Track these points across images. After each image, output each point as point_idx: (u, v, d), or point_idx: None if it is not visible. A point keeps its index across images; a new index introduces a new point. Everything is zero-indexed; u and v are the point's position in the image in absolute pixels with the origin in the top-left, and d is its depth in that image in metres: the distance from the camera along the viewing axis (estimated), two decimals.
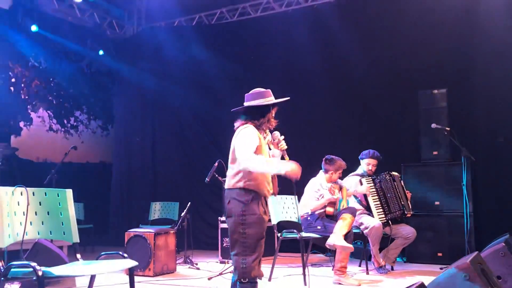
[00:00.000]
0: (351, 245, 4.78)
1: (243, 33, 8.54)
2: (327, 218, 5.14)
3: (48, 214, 3.12)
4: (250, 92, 3.48)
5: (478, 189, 6.31)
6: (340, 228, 4.81)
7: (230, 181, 3.35)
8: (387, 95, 7.11)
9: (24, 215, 2.96)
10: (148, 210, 7.88)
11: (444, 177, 6.24)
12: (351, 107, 7.46)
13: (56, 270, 2.59)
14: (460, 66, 6.70)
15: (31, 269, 2.49)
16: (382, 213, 5.57)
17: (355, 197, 5.76)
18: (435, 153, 6.34)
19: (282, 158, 3.48)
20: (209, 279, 5.23)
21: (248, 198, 3.25)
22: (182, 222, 6.14)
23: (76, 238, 3.18)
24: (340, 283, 4.86)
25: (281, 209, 5.48)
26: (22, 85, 9.14)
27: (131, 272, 3.02)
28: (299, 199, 5.51)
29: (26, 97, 9.26)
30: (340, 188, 5.42)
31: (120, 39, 9.59)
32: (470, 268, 2.76)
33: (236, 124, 3.46)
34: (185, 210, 6.14)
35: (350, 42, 7.32)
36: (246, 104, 3.43)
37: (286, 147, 3.45)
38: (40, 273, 2.46)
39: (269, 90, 3.46)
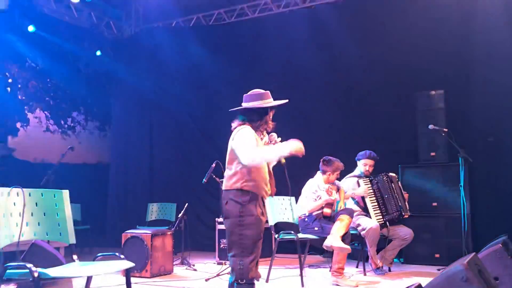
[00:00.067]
0: (348, 246, 4.78)
1: (241, 34, 8.53)
2: (324, 219, 5.14)
3: (44, 215, 3.12)
4: (249, 92, 3.47)
5: (476, 190, 6.31)
6: (338, 229, 4.81)
7: (227, 182, 3.35)
8: (384, 96, 7.11)
9: (20, 216, 2.95)
10: (145, 211, 7.86)
11: (442, 178, 6.24)
12: (349, 108, 7.46)
13: (52, 271, 2.58)
14: (458, 68, 6.71)
15: (27, 270, 2.48)
16: (380, 214, 5.57)
17: (353, 198, 5.75)
18: (432, 154, 6.35)
19: (279, 160, 3.47)
20: (206, 280, 5.22)
21: (246, 199, 3.24)
22: (179, 223, 6.13)
23: (72, 239, 3.17)
24: (337, 284, 4.86)
25: (279, 210, 5.47)
26: (19, 85, 9.10)
27: (127, 273, 3.02)
28: (296, 200, 5.51)
29: (23, 97, 9.23)
30: (338, 189, 5.41)
31: (118, 40, 9.57)
32: (467, 269, 2.76)
33: (233, 125, 3.45)
34: (182, 211, 6.13)
35: (348, 43, 7.32)
36: (244, 105, 3.43)
37: None
38: (36, 274, 2.45)
39: (268, 91, 3.45)
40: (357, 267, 6.04)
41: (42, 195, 3.14)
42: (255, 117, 3.38)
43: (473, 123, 6.58)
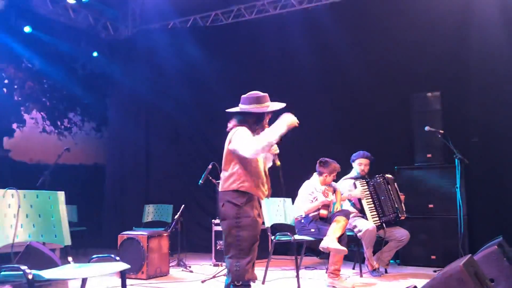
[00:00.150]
0: (344, 248, 4.77)
1: (238, 35, 8.53)
2: (321, 220, 5.13)
3: (39, 216, 3.10)
4: (247, 94, 3.46)
5: (472, 192, 6.32)
6: (334, 230, 4.81)
7: (224, 183, 3.34)
8: (381, 98, 7.12)
9: (15, 217, 2.93)
10: (141, 213, 7.84)
11: (438, 180, 6.25)
12: (345, 110, 7.46)
13: (47, 273, 2.57)
14: (454, 69, 6.72)
15: (21, 272, 2.47)
16: (376, 216, 5.57)
17: (349, 200, 5.76)
18: (429, 156, 6.36)
19: (274, 162, 3.47)
20: (202, 282, 5.21)
21: (243, 201, 3.24)
22: (176, 225, 6.12)
23: (67, 241, 3.16)
24: (333, 286, 4.86)
25: (275, 211, 5.47)
26: (15, 86, 9.08)
27: (123, 275, 3.00)
28: (293, 202, 5.51)
29: (19, 98, 9.21)
30: (334, 191, 5.42)
31: (114, 41, 9.55)
32: (463, 271, 2.76)
33: (229, 125, 3.45)
34: (178, 213, 6.12)
35: (344, 45, 7.32)
36: (241, 106, 3.43)
37: (278, 151, 3.44)
38: (30, 277, 2.43)
39: (266, 94, 3.44)
40: (353, 268, 6.04)
41: (37, 197, 3.12)
42: (251, 120, 3.38)
43: (469, 125, 6.60)
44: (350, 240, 5.36)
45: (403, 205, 5.77)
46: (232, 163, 3.32)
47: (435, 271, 5.47)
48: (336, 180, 5.57)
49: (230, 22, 8.76)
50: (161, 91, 9.00)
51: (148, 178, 9.16)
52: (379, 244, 5.64)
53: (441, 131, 5.84)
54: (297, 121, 3.24)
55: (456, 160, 5.57)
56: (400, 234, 5.57)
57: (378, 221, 5.54)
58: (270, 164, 3.52)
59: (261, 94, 3.43)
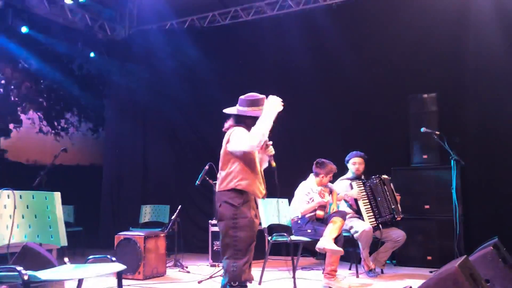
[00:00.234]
0: (341, 249, 4.78)
1: (235, 36, 8.53)
2: (317, 221, 5.14)
3: (35, 217, 3.09)
4: (245, 96, 3.47)
5: (468, 193, 6.34)
6: (330, 231, 4.81)
7: (221, 183, 3.36)
8: (377, 99, 7.13)
9: (11, 218, 2.93)
10: (138, 213, 7.83)
11: (434, 181, 6.26)
12: (342, 111, 7.47)
13: (43, 274, 2.57)
14: (450, 71, 6.74)
15: (17, 273, 2.46)
16: (373, 217, 5.58)
17: (345, 201, 5.77)
18: (425, 157, 6.38)
19: (269, 163, 3.49)
20: (199, 282, 5.21)
21: (240, 202, 3.25)
22: (173, 225, 6.12)
23: (64, 242, 3.16)
24: (330, 287, 4.86)
25: (272, 212, 5.47)
26: (12, 86, 9.07)
27: (119, 276, 3.01)
28: (289, 203, 5.52)
29: (16, 99, 9.19)
30: (331, 192, 5.42)
31: (112, 41, 9.54)
32: (458, 272, 2.77)
33: (225, 125, 3.48)
34: (175, 213, 6.12)
35: (341, 46, 7.34)
36: (239, 108, 3.45)
37: (273, 152, 3.46)
38: (26, 278, 2.43)
39: (264, 97, 3.45)
40: (349, 269, 6.05)
41: (33, 197, 3.12)
42: (248, 122, 3.40)
43: (465, 126, 6.62)
44: (347, 241, 5.37)
45: (399, 206, 5.79)
46: (229, 163, 3.34)
47: (431, 272, 5.48)
48: (332, 181, 5.58)
49: (227, 23, 8.77)
50: (158, 91, 9.00)
51: (145, 179, 9.15)
52: (376, 244, 5.65)
53: (437, 132, 5.86)
54: (282, 101, 3.29)
55: (452, 161, 5.59)
56: (397, 235, 5.58)
57: (375, 222, 5.55)
58: (266, 165, 3.54)
59: (259, 96, 3.45)
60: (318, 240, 4.85)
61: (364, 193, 5.65)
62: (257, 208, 3.42)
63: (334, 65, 7.51)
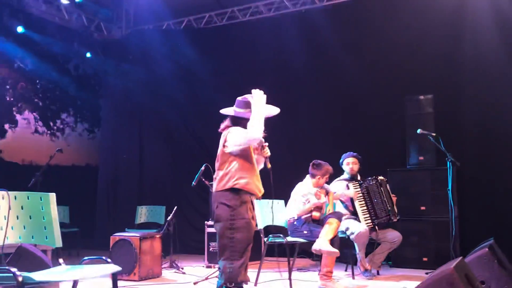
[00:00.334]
0: (336, 250, 4.78)
1: (232, 37, 8.53)
2: (313, 222, 5.14)
3: (30, 218, 3.07)
4: (242, 97, 3.48)
5: (464, 194, 6.35)
6: (326, 233, 4.81)
7: (218, 184, 3.36)
8: (373, 101, 7.14)
9: (5, 219, 2.91)
10: (134, 214, 7.81)
11: (430, 182, 6.27)
12: (338, 112, 7.48)
13: (37, 276, 2.55)
14: (447, 72, 6.75)
15: (11, 274, 2.45)
16: (369, 218, 5.58)
17: (342, 202, 5.77)
18: (421, 158, 6.39)
19: (265, 164, 3.49)
20: (194, 283, 5.20)
21: (237, 203, 3.25)
22: (169, 226, 6.10)
23: (59, 243, 3.13)
24: None
25: (268, 213, 5.46)
26: (8, 86, 9.03)
27: (114, 277, 2.99)
28: (285, 204, 5.51)
29: (12, 99, 9.16)
30: (327, 193, 5.42)
31: (108, 42, 9.52)
32: (454, 273, 2.77)
33: (222, 126, 3.48)
34: (171, 214, 6.10)
35: (338, 47, 7.34)
36: (236, 109, 3.46)
37: (269, 154, 3.46)
38: (20, 279, 2.42)
39: None
40: (345, 270, 6.05)
41: (28, 198, 3.10)
42: (244, 124, 3.41)
43: (462, 127, 6.63)
44: (343, 242, 5.37)
45: (395, 207, 5.79)
46: (227, 163, 3.35)
47: (427, 273, 5.48)
48: (328, 183, 5.58)
49: (224, 24, 8.76)
50: (154, 92, 8.99)
51: (141, 179, 9.13)
52: (372, 246, 5.65)
53: (433, 133, 5.86)
54: (264, 96, 3.37)
55: (448, 162, 5.59)
56: (392, 236, 5.58)
57: (371, 223, 5.55)
58: (261, 166, 3.54)
59: None
60: (314, 241, 4.85)
61: (361, 194, 5.66)
62: (253, 209, 3.42)
63: (330, 66, 7.52)
